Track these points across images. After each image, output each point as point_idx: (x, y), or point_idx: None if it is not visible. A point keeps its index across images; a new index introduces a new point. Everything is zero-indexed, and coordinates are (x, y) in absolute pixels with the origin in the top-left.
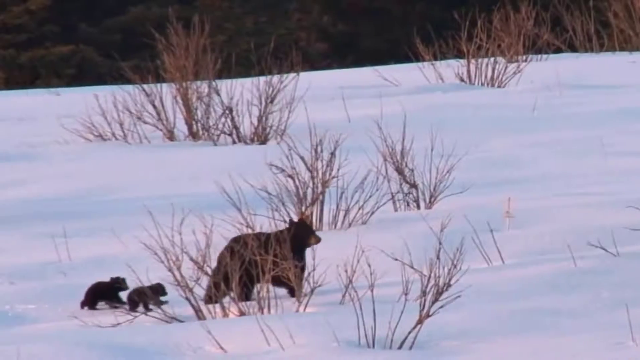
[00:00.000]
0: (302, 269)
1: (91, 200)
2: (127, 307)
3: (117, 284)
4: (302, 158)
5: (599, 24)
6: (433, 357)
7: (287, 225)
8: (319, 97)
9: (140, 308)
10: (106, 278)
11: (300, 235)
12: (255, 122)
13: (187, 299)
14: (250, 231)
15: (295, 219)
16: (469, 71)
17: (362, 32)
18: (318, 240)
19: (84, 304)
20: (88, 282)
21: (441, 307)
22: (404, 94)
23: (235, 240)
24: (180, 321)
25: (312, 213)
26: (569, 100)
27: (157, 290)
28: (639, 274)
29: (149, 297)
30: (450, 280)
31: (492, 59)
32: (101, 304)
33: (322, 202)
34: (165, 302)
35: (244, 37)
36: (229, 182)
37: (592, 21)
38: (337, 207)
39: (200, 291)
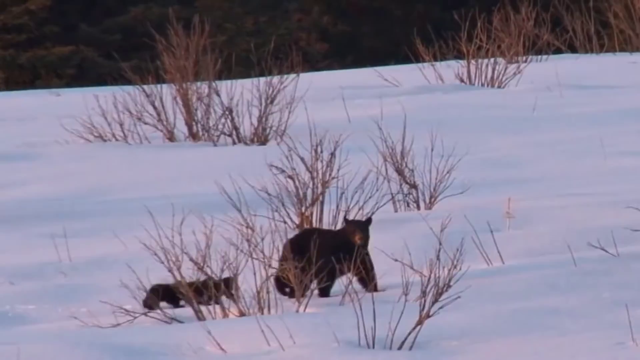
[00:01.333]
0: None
1: (91, 200)
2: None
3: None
4: (302, 158)
5: (599, 25)
6: (433, 358)
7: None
8: (319, 97)
9: (142, 309)
10: (106, 278)
11: (349, 232)
12: (255, 123)
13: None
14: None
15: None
16: (469, 72)
17: (362, 32)
18: (361, 238)
19: (146, 303)
20: (88, 282)
21: (441, 307)
22: (404, 95)
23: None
24: (180, 322)
25: (312, 214)
26: (569, 101)
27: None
28: (639, 274)
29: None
30: (450, 280)
31: (492, 60)
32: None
33: (322, 203)
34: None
35: (244, 37)
36: (229, 182)
37: (592, 22)
38: (337, 207)
39: None
